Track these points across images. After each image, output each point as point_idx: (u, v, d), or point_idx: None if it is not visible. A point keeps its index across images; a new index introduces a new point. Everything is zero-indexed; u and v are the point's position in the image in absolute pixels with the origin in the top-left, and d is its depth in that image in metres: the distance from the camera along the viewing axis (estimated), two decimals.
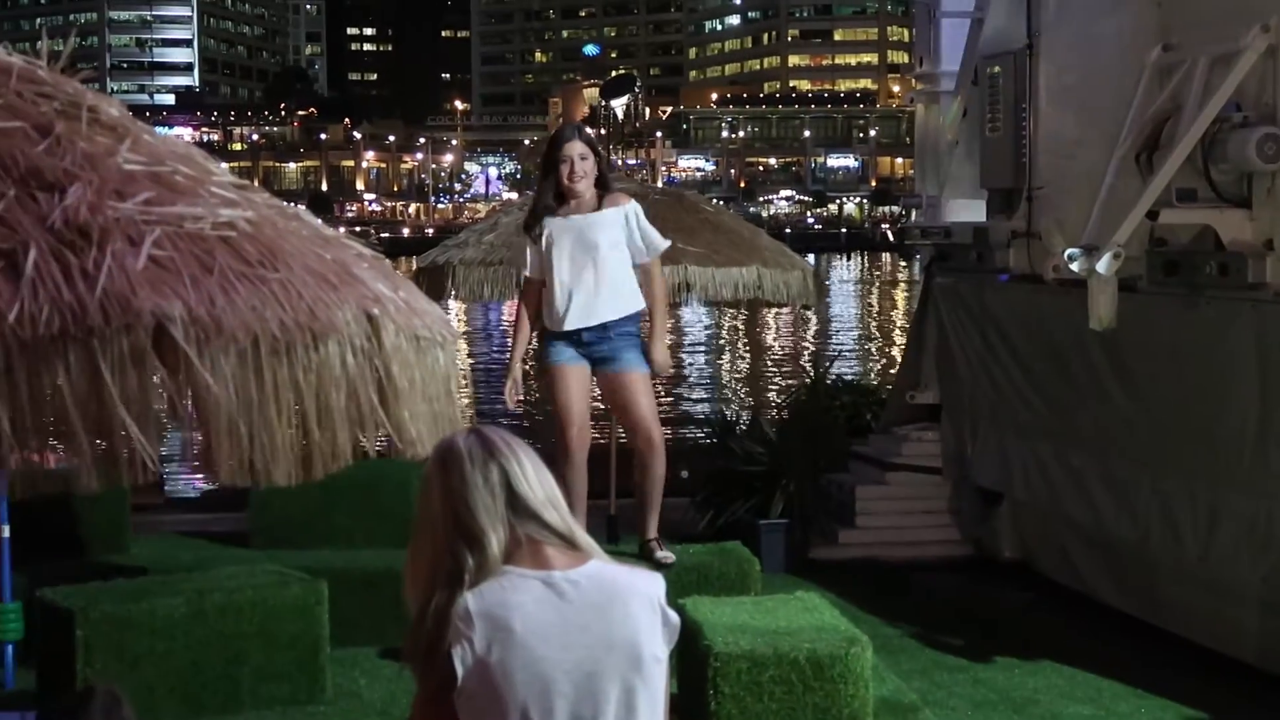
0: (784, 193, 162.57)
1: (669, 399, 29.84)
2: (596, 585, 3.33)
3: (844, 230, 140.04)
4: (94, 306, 3.45)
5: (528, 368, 8.86)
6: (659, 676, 3.38)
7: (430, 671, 3.28)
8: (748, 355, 45.67)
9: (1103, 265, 9.15)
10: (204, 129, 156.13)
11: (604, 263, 8.10)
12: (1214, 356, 9.44)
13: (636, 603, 3.37)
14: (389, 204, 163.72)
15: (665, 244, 8.46)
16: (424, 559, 3.37)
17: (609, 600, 3.33)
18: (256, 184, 4.60)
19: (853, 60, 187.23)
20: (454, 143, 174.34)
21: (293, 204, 4.52)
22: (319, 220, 4.39)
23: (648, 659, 3.35)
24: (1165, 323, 9.84)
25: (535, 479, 3.36)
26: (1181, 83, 9.57)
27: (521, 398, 8.47)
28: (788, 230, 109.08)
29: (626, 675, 3.32)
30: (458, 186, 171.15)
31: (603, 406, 9.48)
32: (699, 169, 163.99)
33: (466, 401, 29.08)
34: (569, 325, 8.06)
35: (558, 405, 8.15)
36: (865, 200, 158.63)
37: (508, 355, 8.58)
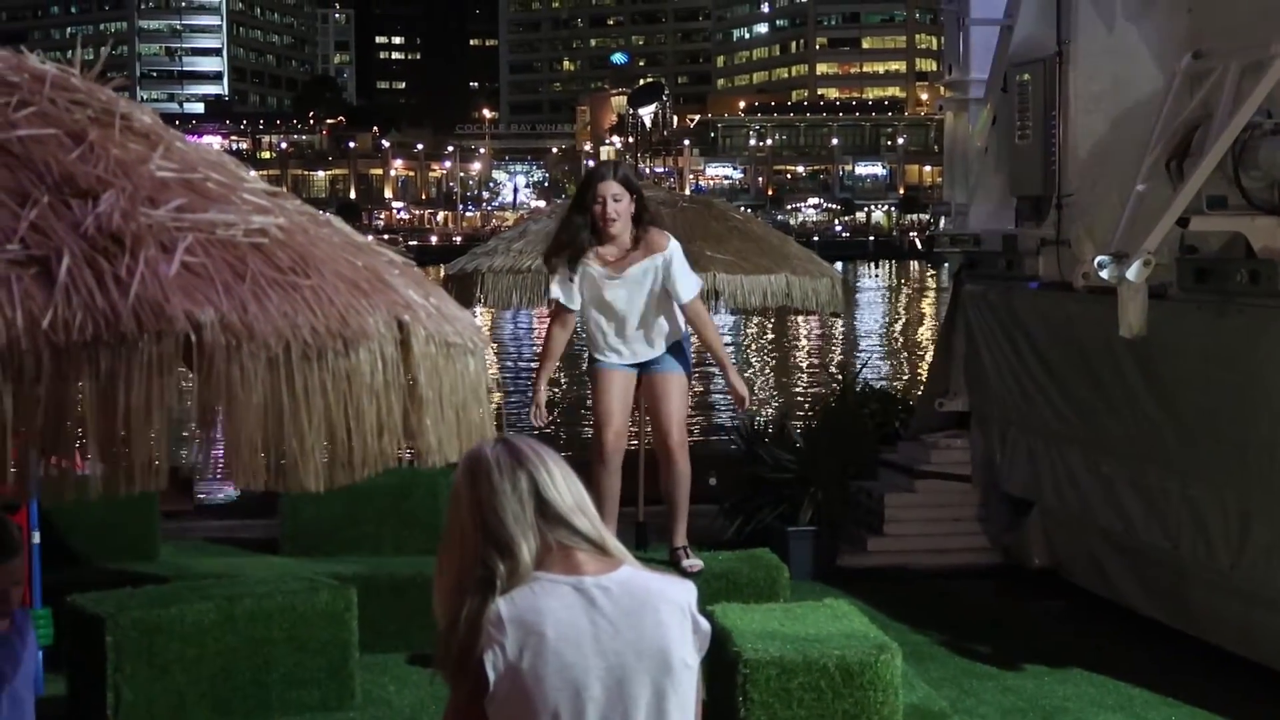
0: (812, 201, 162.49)
1: (697, 407, 29.81)
2: (627, 591, 3.36)
3: (872, 238, 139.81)
4: (127, 313, 3.46)
5: (554, 393, 8.91)
6: (689, 682, 3.39)
7: (462, 678, 3.30)
8: (776, 363, 45.63)
9: (1133, 273, 9.13)
10: (233, 137, 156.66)
11: (654, 308, 8.15)
12: (1244, 364, 9.41)
13: (667, 609, 3.38)
14: (417, 212, 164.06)
15: (698, 287, 8.48)
16: (453, 569, 3.39)
17: (640, 606, 3.35)
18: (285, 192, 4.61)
19: (881, 68, 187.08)
20: (482, 151, 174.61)
21: (323, 212, 4.53)
22: (349, 227, 4.40)
23: (678, 665, 3.37)
24: (1196, 330, 9.81)
25: (564, 485, 3.39)
26: (1212, 90, 9.55)
27: (544, 424, 8.50)
28: (815, 238, 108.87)
29: (657, 681, 3.34)
30: (485, 195, 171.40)
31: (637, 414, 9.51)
32: (727, 177, 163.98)
33: (495, 409, 29.03)
34: (625, 362, 8.15)
35: (599, 406, 8.19)
36: (893, 208, 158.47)
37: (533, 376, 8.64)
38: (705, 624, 3.45)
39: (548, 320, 8.81)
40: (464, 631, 3.30)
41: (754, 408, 8.72)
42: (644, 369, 8.26)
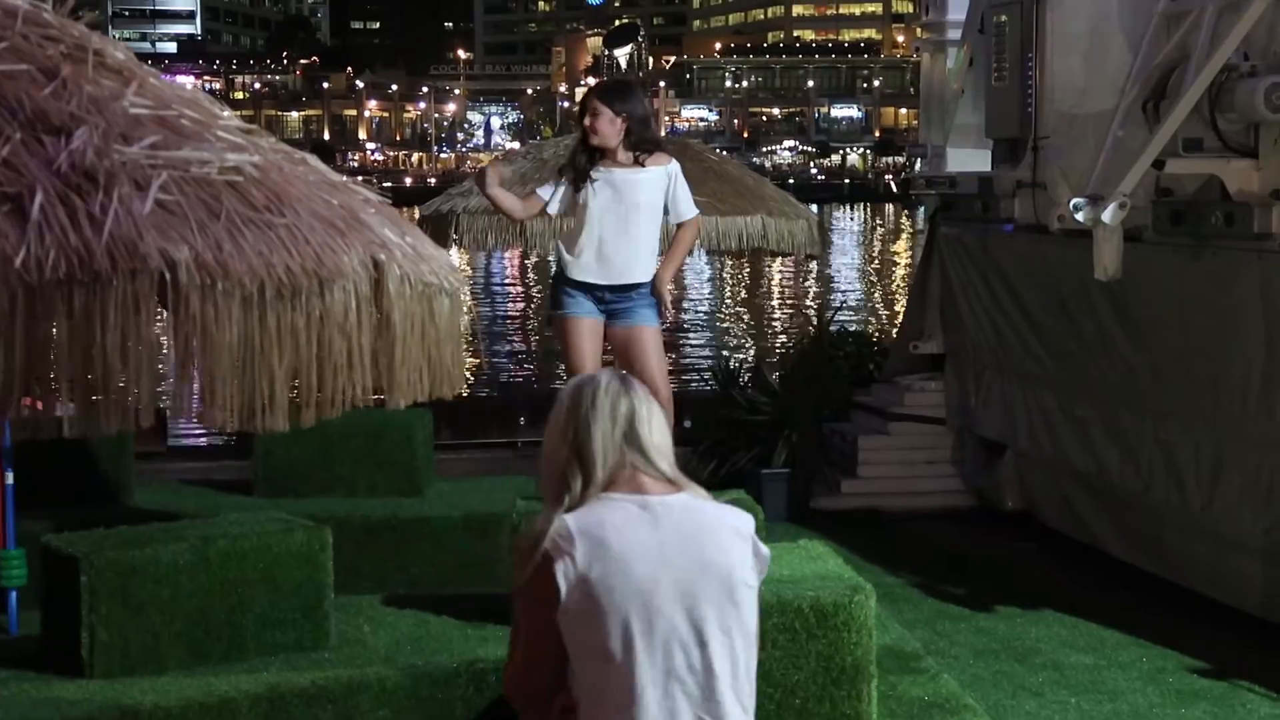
0: (787, 143, 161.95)
1: (672, 349, 29.86)
2: (689, 512, 3.52)
3: (847, 181, 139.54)
4: (100, 251, 3.44)
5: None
6: (751, 603, 3.54)
7: (534, 593, 3.43)
8: (751, 305, 45.65)
9: (1108, 215, 9.13)
10: (206, 78, 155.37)
11: (642, 225, 8.06)
12: (1219, 307, 9.43)
13: (727, 532, 3.55)
14: (391, 153, 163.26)
15: (695, 212, 8.43)
16: (544, 491, 3.56)
17: (701, 526, 3.51)
18: None
19: (857, 10, 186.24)
20: (457, 92, 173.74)
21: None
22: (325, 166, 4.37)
23: (739, 584, 3.51)
24: (1170, 273, 9.82)
25: (658, 428, 3.58)
26: (1189, 31, 9.53)
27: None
28: (791, 181, 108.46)
29: (721, 598, 3.47)
30: (460, 136, 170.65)
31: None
32: (702, 119, 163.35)
33: (469, 349, 29.11)
34: (596, 279, 8.00)
35: (570, 357, 8.13)
36: (869, 151, 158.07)
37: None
38: (765, 549, 3.60)
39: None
40: (533, 544, 3.43)
41: (670, 317, 8.60)
42: (615, 321, 8.16)
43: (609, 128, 8.04)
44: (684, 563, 3.44)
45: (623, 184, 8.03)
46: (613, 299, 8.07)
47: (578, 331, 8.08)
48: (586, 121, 8.11)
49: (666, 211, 8.27)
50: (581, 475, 3.47)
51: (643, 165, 8.11)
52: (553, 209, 8.24)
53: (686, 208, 8.26)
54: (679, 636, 3.42)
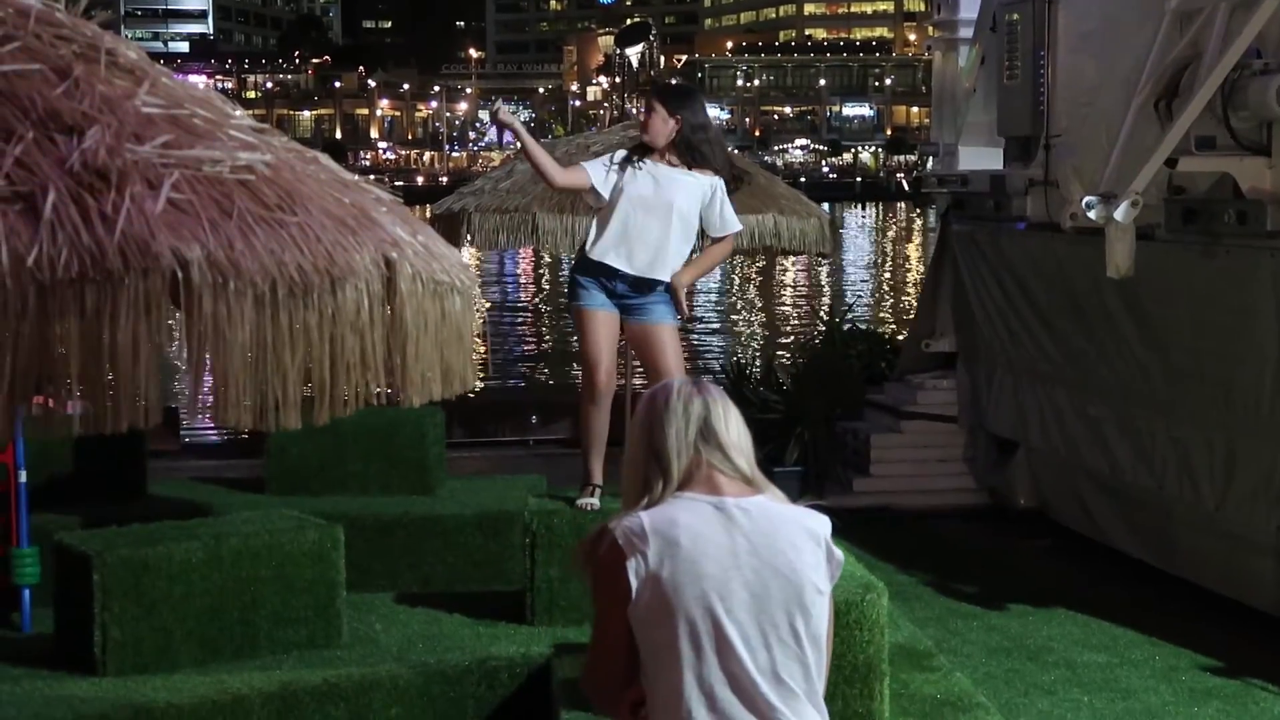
0: (799, 141, 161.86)
1: (684, 347, 29.85)
2: (764, 514, 3.53)
3: (859, 179, 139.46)
4: (113, 249, 3.44)
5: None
6: (822, 607, 3.55)
7: (608, 587, 3.47)
8: (763, 303, 45.64)
9: (1120, 213, 9.12)
10: (218, 77, 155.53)
11: (673, 224, 8.03)
12: (1232, 305, 9.42)
13: (801, 535, 3.55)
14: (403, 152, 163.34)
15: (739, 226, 8.41)
16: (625, 491, 3.60)
17: (775, 529, 3.52)
18: None
19: (869, 8, 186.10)
20: (469, 91, 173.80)
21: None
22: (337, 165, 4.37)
23: (810, 589, 3.52)
24: (1183, 271, 9.81)
25: (734, 425, 3.60)
26: (1202, 29, 9.52)
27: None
28: (802, 179, 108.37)
29: (792, 603, 3.49)
30: (472, 135, 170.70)
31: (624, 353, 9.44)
32: (714, 117, 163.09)
33: (481, 349, 29.11)
34: (613, 262, 7.96)
35: (587, 348, 8.10)
36: (880, 149, 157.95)
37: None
38: (839, 554, 3.62)
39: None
40: (610, 541, 3.46)
41: (686, 312, 8.52)
42: (631, 316, 8.13)
43: (661, 126, 8.04)
44: (756, 565, 3.46)
45: (664, 179, 8.02)
46: (626, 292, 8.03)
47: (592, 321, 8.06)
48: (642, 117, 8.19)
49: (700, 229, 8.23)
50: (658, 477, 3.52)
51: (690, 169, 8.11)
52: (601, 188, 8.12)
53: (727, 224, 8.22)
54: (746, 638, 3.44)
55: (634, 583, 3.41)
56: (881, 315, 38.05)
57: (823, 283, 51.27)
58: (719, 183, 8.17)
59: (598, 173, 8.04)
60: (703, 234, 8.33)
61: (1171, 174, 9.52)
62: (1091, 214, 9.26)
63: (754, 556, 3.46)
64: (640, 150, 8.12)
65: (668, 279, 8.05)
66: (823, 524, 3.61)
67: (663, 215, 7.99)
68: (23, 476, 8.13)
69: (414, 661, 7.40)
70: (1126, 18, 10.77)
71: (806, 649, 3.51)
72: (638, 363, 8.94)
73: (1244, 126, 9.27)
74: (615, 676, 3.54)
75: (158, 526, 7.85)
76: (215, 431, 15.59)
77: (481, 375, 26.89)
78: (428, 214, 12.87)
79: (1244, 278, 9.32)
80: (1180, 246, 9.75)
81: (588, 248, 8.08)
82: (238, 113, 4.23)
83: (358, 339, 3.90)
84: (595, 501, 7.98)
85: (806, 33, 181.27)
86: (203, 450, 14.62)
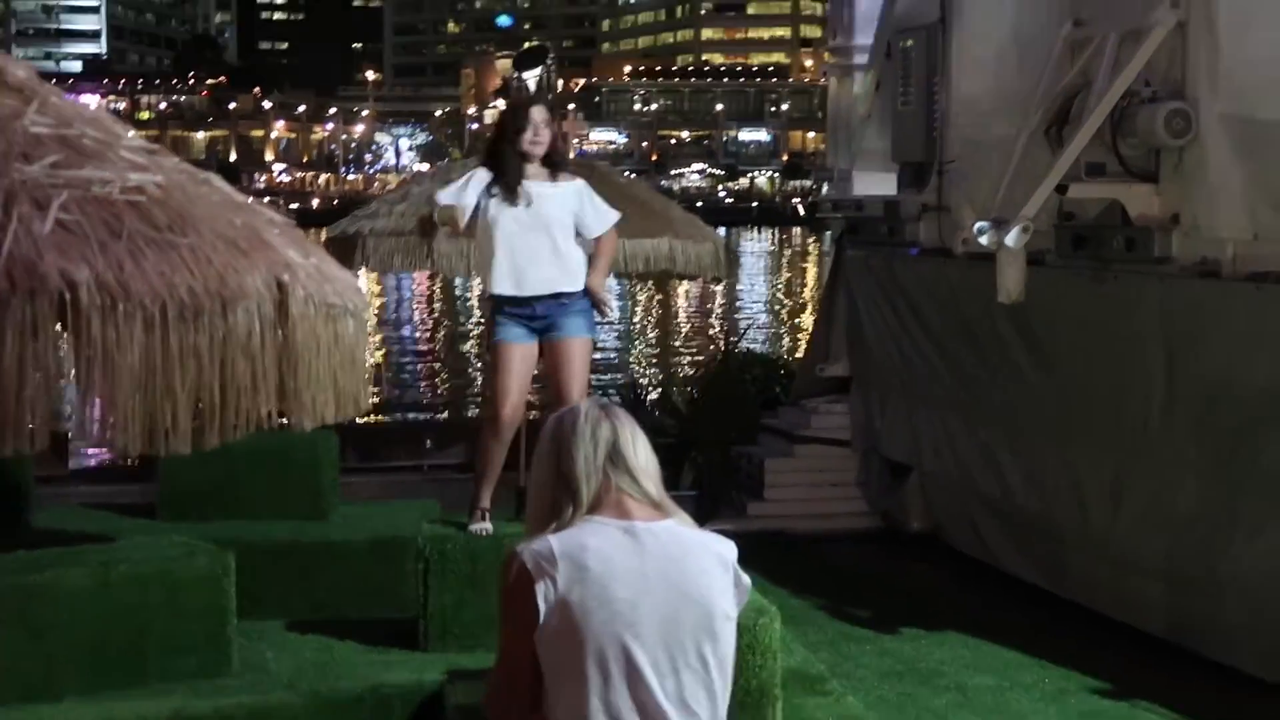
0: (696, 166, 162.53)
1: None
2: (673, 538, 3.50)
3: (755, 204, 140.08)
4: None
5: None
6: (730, 633, 3.54)
7: (513, 613, 3.43)
8: (659, 327, 45.68)
9: (1011, 239, 9.20)
10: (111, 97, 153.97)
11: (556, 235, 8.00)
12: (1120, 330, 9.52)
13: (710, 561, 3.54)
14: (299, 174, 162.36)
15: (616, 215, 8.37)
16: (532, 517, 3.56)
17: (685, 554, 3.50)
18: None
19: (766, 34, 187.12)
20: (365, 113, 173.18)
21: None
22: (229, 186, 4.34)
23: (719, 615, 3.50)
24: (1073, 296, 9.91)
25: (642, 450, 3.57)
26: (1092, 58, 9.64)
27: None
28: (699, 204, 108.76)
29: (700, 629, 3.47)
30: (368, 157, 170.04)
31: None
32: (611, 142, 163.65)
33: (373, 374, 28.91)
34: (524, 291, 7.91)
35: (498, 381, 8.05)
36: (777, 174, 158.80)
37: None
38: (746, 579, 3.59)
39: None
40: (519, 565, 3.42)
41: (610, 312, 8.47)
42: (550, 334, 8.09)
43: (547, 141, 8.02)
44: (665, 590, 3.44)
45: (535, 195, 7.97)
46: (545, 312, 8.00)
47: (507, 354, 8.02)
48: (528, 134, 8.01)
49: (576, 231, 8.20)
50: (567, 502, 3.48)
51: (555, 180, 8.09)
52: (466, 212, 8.03)
53: (605, 219, 8.20)
54: (656, 664, 3.42)
55: (542, 607, 3.38)
56: (777, 339, 38.19)
57: (719, 307, 51.38)
58: (582, 184, 8.18)
59: (456, 199, 7.99)
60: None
61: (1062, 200, 9.62)
62: (983, 239, 9.34)
63: (664, 581, 3.44)
64: (496, 170, 8.03)
65: (580, 286, 8.03)
66: (730, 549, 3.59)
67: (544, 231, 7.97)
68: None
69: (305, 690, 7.32)
70: (1018, 46, 10.88)
71: (714, 675, 3.50)
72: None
73: (1133, 154, 9.40)
74: (519, 702, 3.50)
75: (45, 553, 7.72)
76: (106, 456, 15.38)
77: (375, 399, 26.71)
78: (323, 237, 12.79)
79: (1132, 304, 9.43)
80: (1070, 272, 9.86)
81: (491, 288, 8.04)
82: (129, 133, 4.19)
83: (249, 362, 3.88)
84: (488, 526, 7.95)
85: (704, 58, 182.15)
86: (92, 475, 14.40)
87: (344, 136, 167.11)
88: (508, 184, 7.98)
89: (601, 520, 3.47)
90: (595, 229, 8.17)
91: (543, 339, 8.08)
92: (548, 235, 7.98)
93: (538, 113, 8.13)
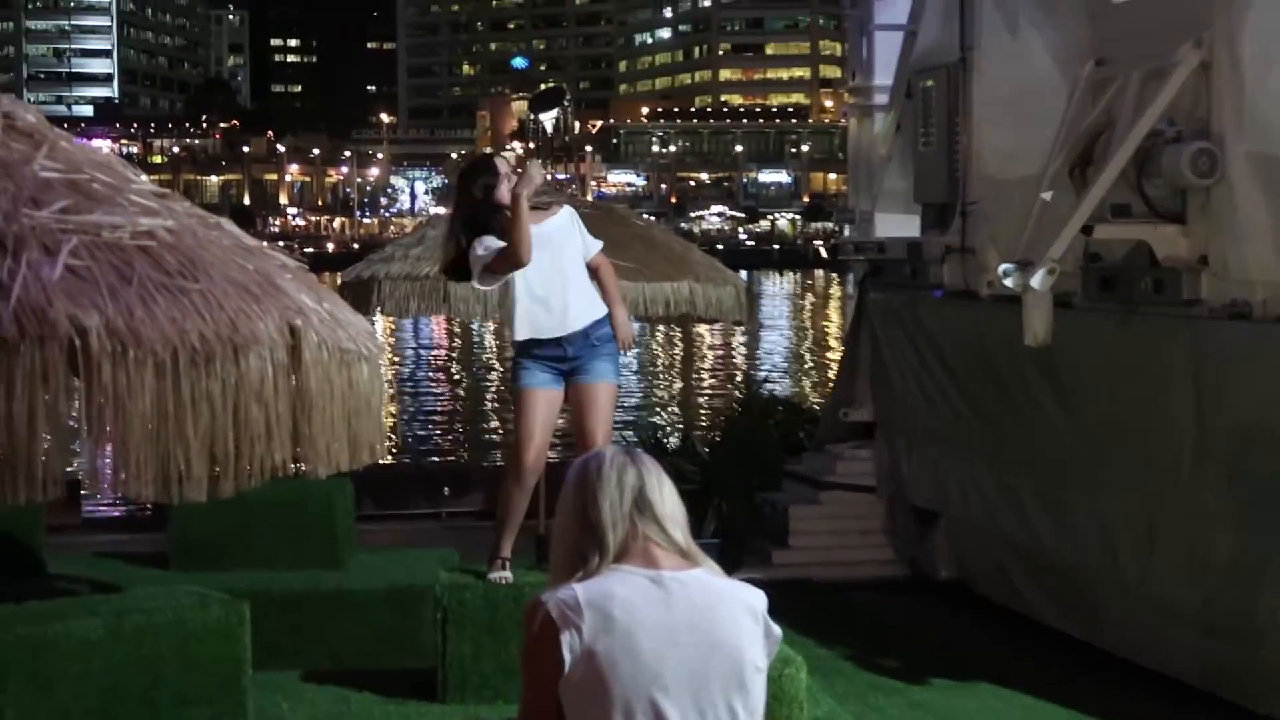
0: (715, 208, 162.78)
1: None
2: (702, 589, 3.44)
3: (776, 246, 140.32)
4: (8, 317, 3.35)
5: None
6: (760, 685, 3.46)
7: (538, 662, 3.36)
8: (680, 372, 45.65)
9: (1037, 281, 9.10)
10: (123, 141, 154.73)
11: (567, 266, 7.94)
12: (1149, 373, 9.40)
13: (740, 611, 3.47)
14: (313, 218, 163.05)
15: (599, 243, 8.30)
16: (557, 566, 3.49)
17: (713, 604, 3.43)
18: None
19: (785, 75, 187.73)
20: (380, 156, 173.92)
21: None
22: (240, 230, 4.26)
23: (749, 666, 3.43)
24: (1100, 339, 9.79)
25: (669, 497, 3.49)
26: (1115, 97, 9.55)
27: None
28: (719, 246, 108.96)
29: (729, 681, 3.39)
30: (383, 200, 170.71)
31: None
32: (629, 184, 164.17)
33: (390, 420, 28.91)
34: (548, 333, 7.85)
35: (522, 427, 7.99)
36: (798, 216, 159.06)
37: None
38: (777, 630, 3.52)
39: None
40: (544, 614, 3.34)
41: (631, 345, 8.36)
42: (576, 375, 8.01)
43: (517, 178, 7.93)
44: (694, 642, 3.36)
45: (540, 236, 7.87)
46: (574, 353, 7.92)
47: (530, 400, 7.96)
48: (503, 186, 7.91)
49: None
50: (594, 550, 3.41)
51: (546, 212, 8.02)
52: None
53: (590, 246, 8.16)
54: (685, 718, 3.34)
55: (567, 657, 3.30)
56: (801, 384, 38.11)
57: (741, 351, 51.36)
58: (569, 209, 8.13)
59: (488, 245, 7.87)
60: None
61: (1088, 241, 9.51)
62: (1008, 281, 9.23)
63: (693, 632, 3.36)
64: (487, 233, 7.88)
65: (601, 313, 7.95)
66: (760, 599, 3.51)
67: (555, 265, 7.90)
68: None
69: None
70: (1041, 86, 10.80)
71: None
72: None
73: (1158, 194, 9.29)
74: None
75: (56, 603, 7.63)
76: (118, 505, 15.30)
77: (392, 446, 26.67)
78: (338, 281, 12.73)
79: (1160, 346, 9.31)
80: (1097, 315, 9.74)
81: (515, 335, 7.95)
82: (139, 177, 4.12)
83: (262, 409, 3.81)
84: (508, 574, 7.83)
85: (723, 99, 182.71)
86: (104, 525, 14.33)
87: (358, 180, 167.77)
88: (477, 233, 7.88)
89: (629, 569, 3.39)
90: (591, 249, 8.12)
91: (568, 381, 7.99)
92: (561, 272, 7.92)
93: (500, 163, 8.07)
